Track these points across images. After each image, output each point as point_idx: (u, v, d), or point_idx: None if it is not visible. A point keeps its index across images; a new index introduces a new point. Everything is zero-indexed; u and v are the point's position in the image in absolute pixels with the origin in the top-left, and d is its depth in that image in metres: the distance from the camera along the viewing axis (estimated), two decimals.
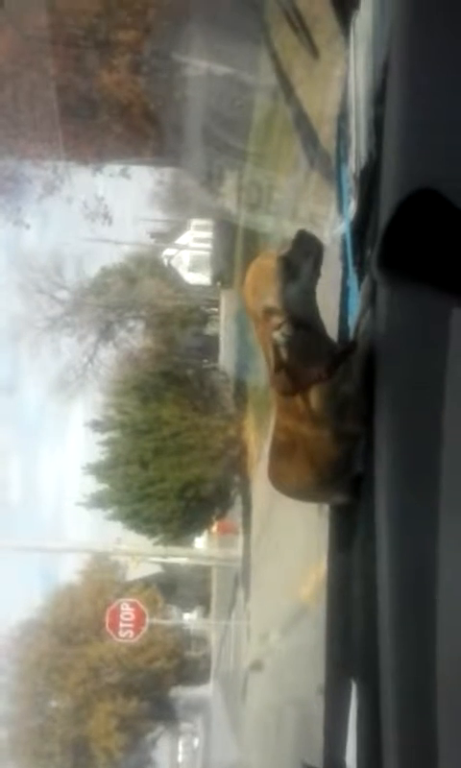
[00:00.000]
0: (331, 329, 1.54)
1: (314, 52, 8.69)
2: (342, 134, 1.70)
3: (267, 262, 1.39)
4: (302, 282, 1.37)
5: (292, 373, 1.38)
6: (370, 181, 1.43)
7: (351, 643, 1.35)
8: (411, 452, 1.09)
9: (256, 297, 1.39)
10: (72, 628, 23.95)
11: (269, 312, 1.37)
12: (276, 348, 1.35)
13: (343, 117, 1.70)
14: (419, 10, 1.20)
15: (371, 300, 1.43)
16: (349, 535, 1.46)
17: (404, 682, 1.04)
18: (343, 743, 1.32)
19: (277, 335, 1.36)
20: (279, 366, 1.36)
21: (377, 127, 1.40)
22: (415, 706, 0.99)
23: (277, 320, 1.36)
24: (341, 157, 1.73)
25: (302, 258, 1.38)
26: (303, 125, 9.14)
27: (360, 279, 1.52)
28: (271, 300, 1.36)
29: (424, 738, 0.91)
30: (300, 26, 9.02)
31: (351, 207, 1.58)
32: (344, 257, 1.68)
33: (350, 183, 1.61)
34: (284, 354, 1.35)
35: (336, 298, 1.67)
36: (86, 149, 16.32)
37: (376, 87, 1.42)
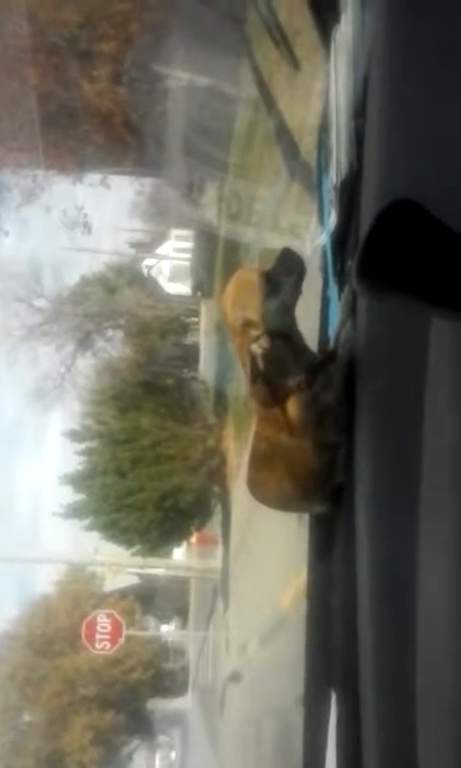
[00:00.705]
0: (312, 339, 1.54)
1: (295, 64, 8.77)
2: (323, 146, 1.71)
3: (249, 275, 1.41)
4: (282, 298, 1.38)
5: (271, 384, 1.39)
6: (350, 193, 1.44)
7: (331, 654, 1.35)
8: (391, 462, 1.09)
9: (236, 309, 1.39)
10: (47, 640, 23.68)
11: (248, 324, 1.38)
12: (253, 359, 1.36)
13: (324, 129, 1.72)
14: (399, 23, 1.21)
15: (351, 310, 1.44)
16: (328, 545, 1.46)
17: (384, 691, 1.04)
18: (322, 754, 1.32)
19: (254, 347, 1.37)
20: (256, 377, 1.37)
21: (358, 139, 1.42)
22: (394, 715, 0.98)
23: (255, 332, 1.37)
24: (322, 169, 1.75)
25: (284, 275, 1.39)
26: (285, 136, 9.21)
27: (340, 290, 1.53)
28: (250, 312, 1.37)
29: (403, 748, 0.91)
30: (281, 39, 9.10)
31: (332, 219, 1.59)
32: (324, 268, 1.69)
33: (330, 195, 1.62)
34: (261, 366, 1.36)
35: (316, 308, 1.68)
36: (67, 158, 16.32)
37: (357, 100, 1.43)
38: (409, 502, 0.93)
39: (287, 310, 1.40)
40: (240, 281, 1.41)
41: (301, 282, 1.41)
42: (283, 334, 1.39)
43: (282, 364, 1.39)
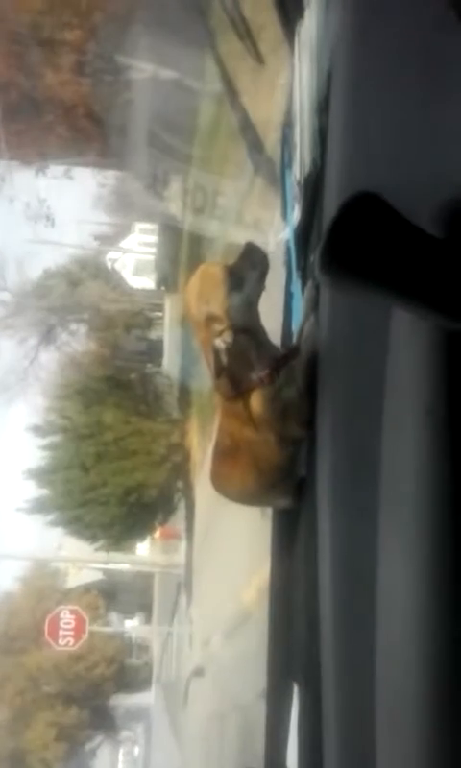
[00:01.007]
0: (275, 334, 1.55)
1: (259, 59, 8.76)
2: (287, 141, 1.72)
3: (213, 269, 1.41)
4: (245, 293, 1.39)
5: (233, 379, 1.39)
6: (314, 188, 1.44)
7: (293, 647, 1.36)
8: (353, 456, 1.10)
9: (200, 303, 1.40)
10: (10, 637, 23.44)
11: (211, 319, 1.38)
12: (216, 354, 1.37)
13: (288, 124, 1.72)
14: (362, 20, 1.22)
15: (314, 305, 1.45)
16: (291, 539, 1.47)
17: (344, 683, 1.05)
18: (284, 746, 1.33)
19: (217, 342, 1.37)
20: (220, 372, 1.37)
21: (322, 135, 1.42)
22: (354, 707, 1.00)
23: (218, 327, 1.37)
24: (285, 164, 1.75)
25: (248, 270, 1.40)
26: (249, 131, 9.20)
27: (303, 285, 1.54)
28: (214, 307, 1.38)
29: (363, 740, 0.92)
30: (245, 33, 9.09)
31: (295, 214, 1.59)
32: (287, 263, 1.70)
33: (294, 190, 1.62)
34: (224, 361, 1.37)
35: (280, 303, 1.69)
36: (29, 149, 16.09)
37: (320, 96, 1.44)
38: (370, 495, 0.94)
39: (250, 305, 1.40)
40: (204, 276, 1.41)
41: (264, 277, 1.41)
42: (247, 329, 1.39)
43: (245, 358, 1.39)
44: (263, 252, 1.43)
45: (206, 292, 1.39)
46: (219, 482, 1.55)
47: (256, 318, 1.42)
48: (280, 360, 1.41)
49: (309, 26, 1.55)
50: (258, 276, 1.40)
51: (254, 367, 1.40)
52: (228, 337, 1.37)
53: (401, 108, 1.04)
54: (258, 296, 1.41)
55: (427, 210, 0.79)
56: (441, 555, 0.82)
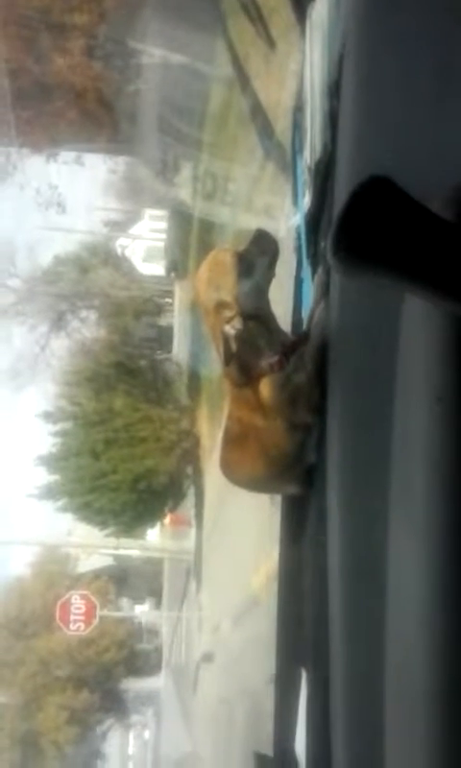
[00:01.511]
0: (285, 320, 1.54)
1: (271, 43, 8.68)
2: (298, 126, 1.70)
3: (223, 256, 1.40)
4: (255, 279, 1.39)
5: (243, 365, 1.39)
6: (324, 174, 1.43)
7: (302, 633, 1.37)
8: (362, 442, 1.10)
9: (210, 289, 1.39)
10: (22, 621, 23.68)
11: (221, 305, 1.38)
12: (226, 340, 1.36)
13: (299, 109, 1.70)
14: (374, 3, 1.20)
15: (324, 291, 1.44)
16: (300, 525, 1.47)
17: (353, 670, 1.05)
18: (293, 732, 1.34)
19: (227, 328, 1.37)
20: (229, 358, 1.37)
21: (333, 120, 1.41)
22: (363, 694, 1.00)
23: (228, 313, 1.37)
24: (296, 149, 1.74)
25: (258, 256, 1.40)
26: (259, 116, 9.14)
27: (314, 271, 1.53)
28: (224, 293, 1.37)
29: (371, 726, 0.92)
30: (256, 17, 9.00)
31: (306, 200, 1.58)
32: (298, 249, 1.69)
33: (304, 176, 1.61)
34: (234, 347, 1.36)
35: (290, 289, 1.68)
36: (40, 135, 16.02)
37: (332, 80, 1.42)
38: (380, 482, 0.94)
39: (261, 291, 1.40)
40: (214, 262, 1.41)
41: (274, 263, 1.41)
42: (257, 315, 1.39)
43: (255, 345, 1.39)
44: (273, 238, 1.43)
45: (215, 278, 1.39)
46: (228, 469, 1.55)
47: (267, 304, 1.41)
48: (290, 346, 1.41)
49: (321, 9, 1.53)
50: (268, 262, 1.40)
51: (264, 353, 1.39)
52: (237, 323, 1.36)
53: (414, 92, 1.03)
54: (269, 282, 1.41)
55: (439, 195, 0.78)
56: (451, 540, 0.82)
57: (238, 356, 1.38)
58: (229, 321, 1.37)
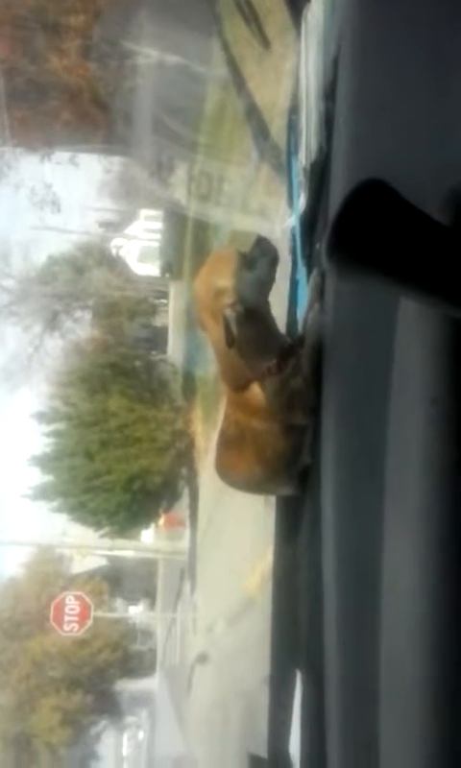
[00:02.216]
0: (280, 321, 1.54)
1: (266, 44, 8.68)
2: (293, 127, 1.70)
3: (224, 251, 1.41)
4: (257, 273, 1.39)
5: (241, 367, 1.39)
6: (320, 175, 1.43)
7: (297, 634, 1.37)
8: (357, 444, 1.10)
9: (210, 278, 1.40)
10: (15, 622, 23.61)
11: (221, 293, 1.37)
12: (227, 324, 1.36)
13: (294, 110, 1.71)
14: (369, 5, 1.20)
15: (319, 292, 1.44)
16: (295, 526, 1.47)
17: (348, 671, 1.06)
18: (287, 732, 1.34)
19: (228, 311, 1.36)
20: (231, 342, 1.36)
21: (328, 121, 1.41)
22: (358, 694, 1.00)
23: (227, 299, 1.37)
24: (291, 150, 1.74)
25: (259, 256, 1.40)
26: (254, 117, 9.14)
27: (309, 272, 1.53)
28: (224, 281, 1.37)
29: (366, 726, 0.92)
30: (252, 18, 9.00)
31: (301, 201, 1.58)
32: (293, 250, 1.69)
33: (300, 177, 1.61)
34: (235, 330, 1.36)
35: (285, 290, 1.68)
36: (34, 135, 16.00)
37: (327, 82, 1.42)
38: (375, 483, 0.94)
39: (262, 285, 1.40)
40: (215, 256, 1.42)
41: (275, 265, 1.41)
42: (256, 311, 1.39)
43: (255, 346, 1.39)
44: (273, 245, 1.43)
45: (216, 269, 1.40)
46: (224, 471, 1.55)
47: (267, 305, 1.41)
48: (288, 350, 1.41)
49: (316, 10, 1.53)
50: (269, 261, 1.40)
51: (263, 356, 1.39)
52: (238, 306, 1.36)
53: (409, 94, 1.03)
54: (270, 282, 1.41)
55: (435, 198, 0.79)
56: (445, 541, 0.82)
57: (239, 344, 1.37)
58: (229, 305, 1.37)
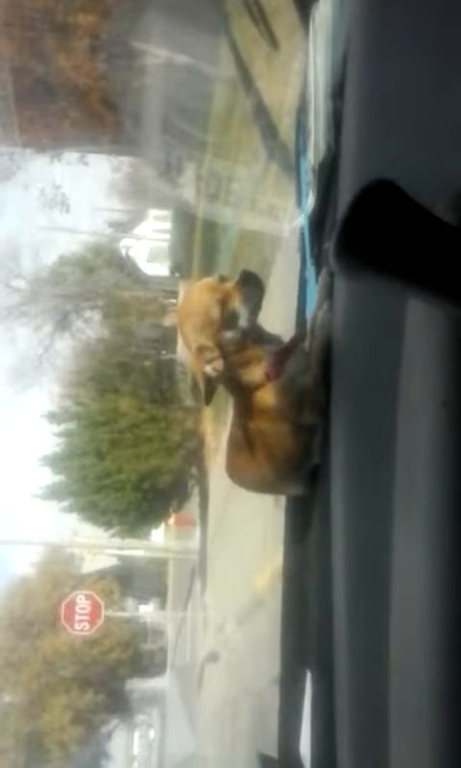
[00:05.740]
0: (289, 320, 1.54)
1: (274, 44, 8.68)
2: (301, 127, 1.70)
3: (206, 299, 1.39)
4: (239, 331, 1.39)
5: (236, 386, 1.41)
6: (328, 175, 1.43)
7: (307, 633, 1.37)
8: (367, 444, 1.10)
9: (193, 332, 1.40)
10: (26, 621, 23.70)
11: (202, 348, 1.38)
12: (208, 380, 1.37)
13: (303, 110, 1.70)
14: (377, 5, 1.20)
15: (328, 292, 1.44)
16: (305, 526, 1.47)
17: (358, 670, 1.05)
18: (297, 732, 1.34)
19: (208, 369, 1.37)
20: (209, 397, 1.38)
21: (336, 120, 1.41)
22: (368, 694, 1.00)
23: (209, 355, 1.37)
24: (300, 150, 1.74)
25: (242, 304, 1.39)
26: (263, 116, 9.13)
27: (318, 272, 1.53)
28: (206, 339, 1.38)
29: (376, 727, 0.92)
30: (260, 18, 9.00)
31: (310, 200, 1.58)
32: (302, 250, 1.69)
33: (308, 176, 1.61)
34: (214, 386, 1.38)
35: (294, 289, 1.68)
36: (43, 135, 16.04)
37: (335, 81, 1.42)
38: (384, 483, 0.94)
39: (244, 335, 1.40)
40: (199, 303, 1.39)
41: (259, 307, 1.41)
42: (240, 344, 1.39)
43: (245, 359, 1.40)
44: (260, 280, 1.43)
45: (199, 322, 1.39)
46: (235, 473, 1.55)
47: (250, 328, 1.42)
48: (281, 353, 1.41)
49: (324, 10, 1.53)
50: (253, 308, 1.40)
51: (255, 365, 1.40)
52: (219, 366, 1.37)
53: (417, 94, 1.03)
54: (254, 322, 1.41)
55: (443, 198, 0.78)
56: (454, 543, 0.82)
57: (229, 382, 1.39)
58: (210, 362, 1.37)
